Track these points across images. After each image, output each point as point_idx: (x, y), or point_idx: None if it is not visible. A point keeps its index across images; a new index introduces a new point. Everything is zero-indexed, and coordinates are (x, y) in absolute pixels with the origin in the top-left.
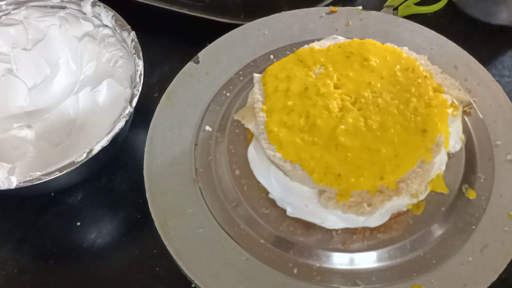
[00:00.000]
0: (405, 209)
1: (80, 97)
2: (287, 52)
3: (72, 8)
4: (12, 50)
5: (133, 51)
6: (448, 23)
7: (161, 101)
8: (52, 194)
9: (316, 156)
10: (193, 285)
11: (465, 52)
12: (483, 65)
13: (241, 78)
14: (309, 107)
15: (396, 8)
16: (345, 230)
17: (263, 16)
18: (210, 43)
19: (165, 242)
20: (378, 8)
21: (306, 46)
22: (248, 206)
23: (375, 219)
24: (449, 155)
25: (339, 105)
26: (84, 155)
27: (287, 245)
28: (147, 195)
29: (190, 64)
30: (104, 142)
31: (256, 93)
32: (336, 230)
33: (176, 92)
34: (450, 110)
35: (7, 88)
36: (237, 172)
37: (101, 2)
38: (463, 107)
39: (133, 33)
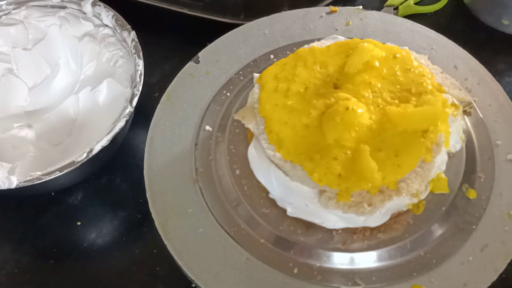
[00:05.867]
0: (406, 209)
1: (80, 97)
2: (287, 52)
3: (72, 8)
4: (12, 50)
5: (133, 51)
6: (448, 22)
7: (161, 101)
8: (52, 193)
9: (316, 156)
10: (193, 285)
11: (465, 52)
12: (483, 65)
13: (241, 78)
14: (309, 107)
15: (396, 8)
16: (346, 230)
17: (263, 16)
18: (210, 43)
19: (165, 242)
20: (378, 8)
21: (306, 46)
22: (248, 206)
23: (376, 219)
24: (450, 155)
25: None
26: (84, 154)
27: (287, 245)
28: (147, 194)
29: (190, 63)
30: (104, 142)
31: (256, 93)
32: (336, 230)
33: (176, 92)
34: (450, 110)
35: (7, 88)
36: (237, 172)
37: (101, 1)
38: (464, 107)
39: (133, 33)
